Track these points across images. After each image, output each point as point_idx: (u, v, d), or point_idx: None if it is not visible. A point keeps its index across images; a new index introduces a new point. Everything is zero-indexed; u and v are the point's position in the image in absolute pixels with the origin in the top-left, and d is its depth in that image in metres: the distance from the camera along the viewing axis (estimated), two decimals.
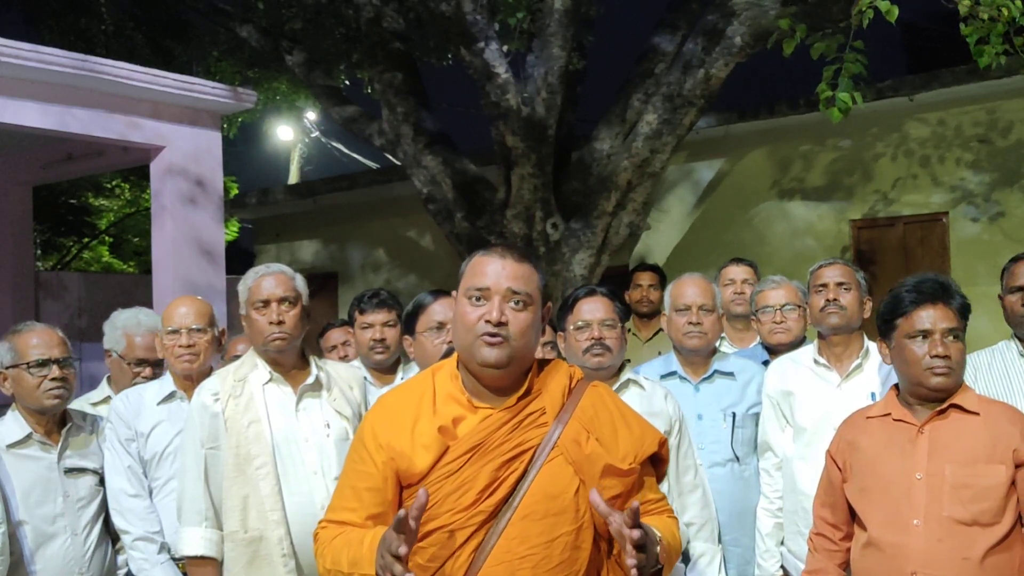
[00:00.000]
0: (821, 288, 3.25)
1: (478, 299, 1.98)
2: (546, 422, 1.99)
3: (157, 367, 3.55)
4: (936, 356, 2.41)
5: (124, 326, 3.52)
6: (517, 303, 1.98)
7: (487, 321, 1.95)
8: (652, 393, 3.01)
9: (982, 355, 3.19)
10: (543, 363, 2.11)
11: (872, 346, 3.23)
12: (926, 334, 2.44)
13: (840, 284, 3.22)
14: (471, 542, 1.91)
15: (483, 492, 1.92)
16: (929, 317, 2.44)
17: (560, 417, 2.00)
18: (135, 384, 3.46)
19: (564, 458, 1.96)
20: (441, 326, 3.03)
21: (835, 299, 3.20)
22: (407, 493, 2.00)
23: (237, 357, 3.63)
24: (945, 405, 2.43)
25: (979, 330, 2.59)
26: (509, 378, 2.01)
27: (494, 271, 1.99)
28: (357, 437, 2.11)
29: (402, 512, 1.76)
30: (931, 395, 2.46)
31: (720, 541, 3.13)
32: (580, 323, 2.95)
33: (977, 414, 2.42)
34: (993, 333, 3.27)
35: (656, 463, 2.12)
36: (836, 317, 3.19)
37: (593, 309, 2.95)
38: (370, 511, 2.01)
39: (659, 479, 2.15)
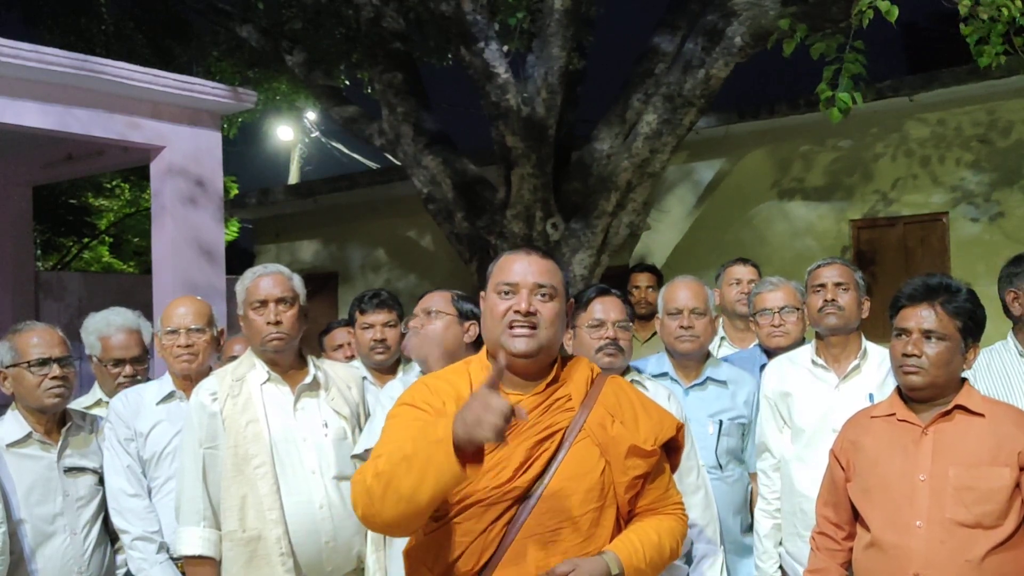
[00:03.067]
0: (819, 288, 3.23)
1: (507, 293, 2.13)
2: (572, 407, 2.13)
3: (136, 364, 3.48)
4: (906, 355, 2.43)
5: (96, 329, 3.47)
6: (544, 295, 2.13)
7: (516, 311, 2.09)
8: (655, 394, 3.00)
9: (981, 354, 3.18)
10: (565, 358, 2.25)
11: (870, 347, 3.23)
12: (905, 332, 2.46)
13: (838, 284, 3.20)
14: (505, 516, 2.03)
15: (518, 469, 2.04)
16: (910, 316, 2.46)
17: (585, 403, 2.14)
18: (118, 384, 3.44)
19: (591, 440, 2.10)
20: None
21: (833, 299, 3.18)
22: None
23: (234, 358, 3.63)
24: (950, 406, 2.43)
25: None
26: (537, 367, 2.14)
27: (521, 267, 2.15)
28: (399, 405, 2.16)
29: (500, 364, 1.90)
30: (909, 394, 2.48)
31: (722, 543, 3.12)
32: (594, 322, 2.96)
33: (982, 416, 2.41)
34: (994, 333, 3.26)
35: (671, 451, 2.25)
36: (834, 318, 3.18)
37: (608, 309, 2.97)
38: None
39: (673, 468, 2.28)
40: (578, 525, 2.04)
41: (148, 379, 3.57)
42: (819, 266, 3.30)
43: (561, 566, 1.98)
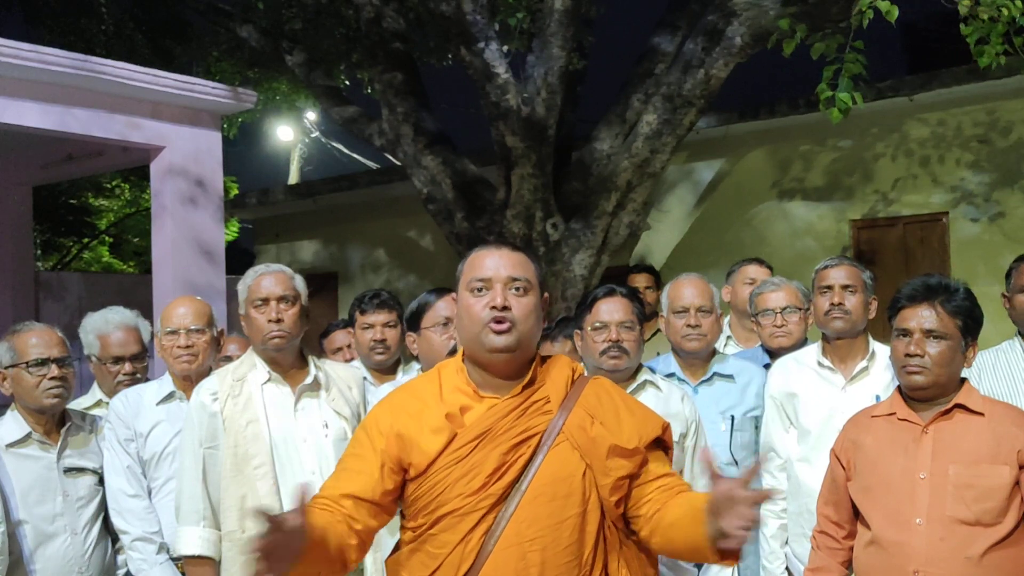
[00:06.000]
0: (826, 290, 3.17)
1: (480, 290, 2.05)
2: (551, 410, 2.05)
3: (136, 361, 3.47)
4: (909, 355, 2.44)
5: (95, 329, 3.47)
6: (518, 289, 2.05)
7: (492, 307, 2.01)
8: (669, 395, 2.99)
9: (986, 355, 3.17)
10: (545, 358, 2.17)
11: (878, 348, 3.17)
12: (906, 333, 2.47)
13: (845, 287, 3.14)
14: (481, 526, 1.95)
15: (492, 476, 1.97)
16: (911, 317, 2.47)
17: (564, 405, 2.06)
18: (118, 383, 3.43)
19: (570, 443, 2.02)
20: (448, 322, 3.02)
21: (840, 303, 3.12)
22: (415, 483, 2.02)
23: (228, 357, 3.62)
24: (950, 405, 2.44)
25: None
26: (515, 366, 2.07)
27: (493, 262, 2.07)
28: (360, 427, 2.14)
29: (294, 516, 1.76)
30: (912, 393, 2.49)
31: None
32: (598, 324, 2.94)
33: (982, 415, 2.42)
34: (994, 333, 3.26)
35: (661, 449, 2.16)
36: (840, 322, 3.13)
37: (611, 310, 2.95)
38: (349, 490, 2.02)
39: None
40: (559, 532, 1.96)
41: (148, 378, 3.57)
42: (826, 267, 3.23)
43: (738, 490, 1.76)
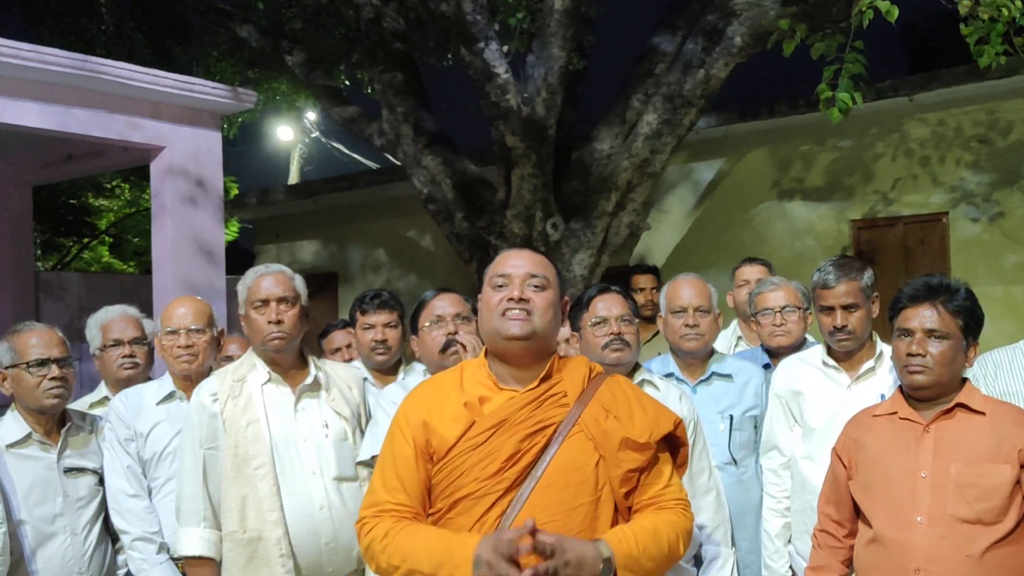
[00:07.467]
0: (828, 311, 3.12)
1: (501, 286, 2.16)
2: (567, 403, 2.14)
3: (135, 344, 3.52)
4: (911, 354, 2.45)
5: (97, 321, 3.56)
6: (536, 285, 2.16)
7: (510, 299, 2.13)
8: (667, 394, 2.99)
9: (1003, 352, 3.15)
10: (563, 358, 2.26)
11: (886, 349, 3.13)
12: (908, 332, 2.48)
13: (847, 307, 3.08)
14: (496, 509, 2.04)
15: (507, 462, 2.06)
16: (912, 317, 2.48)
17: (581, 399, 2.15)
18: (119, 365, 3.47)
19: (584, 435, 2.11)
20: (440, 319, 3.03)
21: (843, 326, 3.08)
22: (436, 468, 2.12)
23: (229, 357, 3.63)
24: (951, 404, 2.45)
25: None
26: (533, 359, 2.16)
27: (515, 261, 2.21)
28: (393, 423, 2.24)
29: (526, 527, 1.90)
30: (913, 393, 2.50)
31: (733, 544, 3.11)
32: (596, 319, 2.96)
33: (983, 414, 2.43)
34: (995, 333, 3.26)
35: (675, 447, 2.25)
36: (847, 343, 3.11)
37: (609, 305, 2.97)
38: (416, 492, 2.14)
39: (680, 464, 2.27)
40: (572, 518, 2.04)
41: (150, 377, 3.58)
42: (826, 285, 3.12)
43: (547, 537, 1.91)
